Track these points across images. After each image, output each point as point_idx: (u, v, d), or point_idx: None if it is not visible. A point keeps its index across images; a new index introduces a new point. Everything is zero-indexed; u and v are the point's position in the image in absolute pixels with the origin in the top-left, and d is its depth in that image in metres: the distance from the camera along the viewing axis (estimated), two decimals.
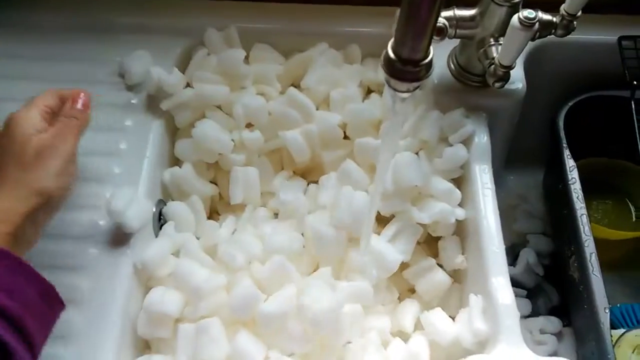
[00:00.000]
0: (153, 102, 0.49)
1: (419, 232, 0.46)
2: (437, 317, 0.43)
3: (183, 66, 0.52)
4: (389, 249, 0.44)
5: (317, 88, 0.51)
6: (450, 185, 0.46)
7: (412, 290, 0.49)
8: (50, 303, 0.34)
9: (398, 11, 0.27)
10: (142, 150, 0.47)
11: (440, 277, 0.46)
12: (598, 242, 0.49)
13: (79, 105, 0.40)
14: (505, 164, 0.61)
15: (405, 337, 0.44)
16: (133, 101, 0.49)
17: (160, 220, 0.47)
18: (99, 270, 0.41)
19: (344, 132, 0.51)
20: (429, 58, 0.28)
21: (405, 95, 0.28)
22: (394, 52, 0.27)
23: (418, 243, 0.48)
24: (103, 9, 0.53)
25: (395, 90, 0.28)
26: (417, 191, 0.47)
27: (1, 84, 0.49)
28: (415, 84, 0.28)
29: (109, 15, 0.53)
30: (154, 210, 0.46)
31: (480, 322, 0.41)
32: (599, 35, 0.54)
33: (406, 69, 0.27)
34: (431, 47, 0.27)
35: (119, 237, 0.42)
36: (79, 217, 0.43)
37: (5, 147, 0.37)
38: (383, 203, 0.46)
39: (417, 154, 0.48)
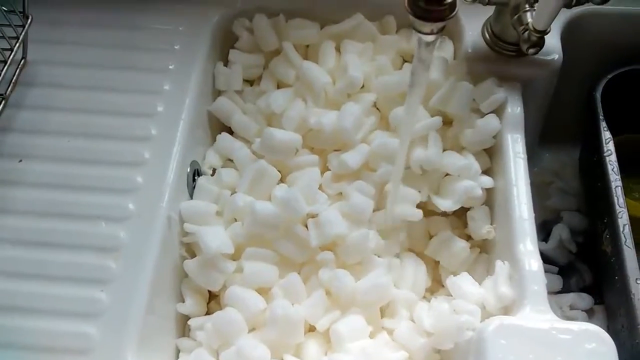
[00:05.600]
0: (188, 67, 0.51)
1: None
2: (464, 281, 0.43)
3: (219, 36, 0.54)
4: None
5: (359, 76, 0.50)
6: (467, 160, 0.46)
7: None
8: None
9: None
10: (179, 112, 0.48)
11: (458, 245, 0.46)
12: (637, 220, 0.48)
13: None
14: (541, 140, 0.60)
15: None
16: (171, 67, 0.51)
17: (194, 181, 0.49)
18: (137, 223, 0.43)
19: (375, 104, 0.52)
20: None
21: (429, 38, 0.29)
22: None
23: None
24: None
25: (420, 32, 0.28)
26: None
27: (45, 49, 0.51)
28: (439, 24, 0.28)
29: None
30: (188, 170, 0.48)
31: (505, 287, 0.41)
32: None
33: (430, 8, 0.27)
34: None
35: (156, 193, 0.44)
36: (119, 173, 0.45)
37: None
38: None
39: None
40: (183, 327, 0.46)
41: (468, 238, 0.49)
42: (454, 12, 0.28)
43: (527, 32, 0.44)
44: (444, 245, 0.47)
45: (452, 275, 0.44)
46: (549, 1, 0.40)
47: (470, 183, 0.45)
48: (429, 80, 0.48)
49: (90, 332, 0.39)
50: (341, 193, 0.48)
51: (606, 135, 0.49)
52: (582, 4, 0.45)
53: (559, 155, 0.61)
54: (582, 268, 0.56)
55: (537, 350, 0.36)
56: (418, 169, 0.46)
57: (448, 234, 0.47)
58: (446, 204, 0.46)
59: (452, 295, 0.44)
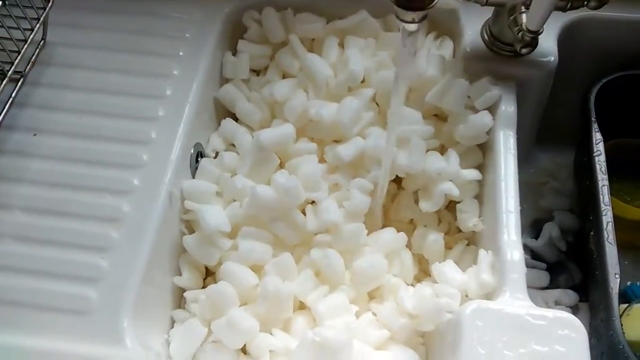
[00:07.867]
0: (198, 55, 0.53)
1: None
2: (448, 267, 0.45)
3: (229, 26, 0.56)
4: None
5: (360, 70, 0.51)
6: (445, 163, 0.48)
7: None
8: None
9: None
10: (186, 96, 0.51)
11: (433, 237, 0.48)
12: (625, 222, 0.49)
13: None
14: (538, 142, 0.62)
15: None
16: (181, 53, 0.53)
17: (197, 162, 0.51)
18: (140, 197, 0.45)
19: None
20: None
21: (412, 27, 0.30)
22: None
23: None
24: None
25: (402, 20, 0.30)
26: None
27: (64, 31, 0.54)
28: (421, 13, 0.30)
29: None
30: (192, 152, 0.50)
31: (487, 274, 0.43)
32: (638, 13, 0.53)
33: None
34: None
35: (159, 171, 0.47)
36: (126, 149, 0.48)
37: None
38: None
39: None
40: (179, 300, 0.48)
41: (458, 231, 0.51)
42: (435, 2, 0.30)
43: (521, 33, 0.45)
44: (421, 240, 0.49)
45: (437, 262, 0.46)
46: (541, 3, 0.42)
47: (447, 185, 0.47)
48: (424, 76, 0.50)
49: (90, 295, 0.41)
50: (337, 184, 0.50)
51: (597, 136, 0.51)
52: (577, 7, 0.47)
53: (554, 157, 0.63)
54: (571, 267, 0.57)
55: (512, 333, 0.38)
56: (403, 174, 0.48)
57: (423, 229, 0.50)
58: (426, 206, 0.48)
59: (437, 282, 0.45)
